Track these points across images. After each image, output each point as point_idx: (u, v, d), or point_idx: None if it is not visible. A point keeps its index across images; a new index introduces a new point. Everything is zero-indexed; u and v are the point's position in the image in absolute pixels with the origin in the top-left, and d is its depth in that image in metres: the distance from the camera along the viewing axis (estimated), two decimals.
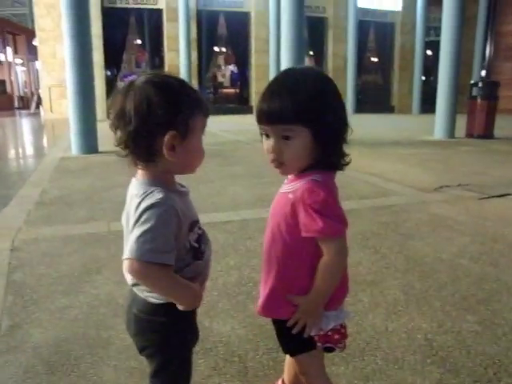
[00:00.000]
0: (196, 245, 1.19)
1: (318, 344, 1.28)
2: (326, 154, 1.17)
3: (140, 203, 1.08)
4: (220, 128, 11.72)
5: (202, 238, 1.22)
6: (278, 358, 1.82)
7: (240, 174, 5.74)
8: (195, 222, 1.20)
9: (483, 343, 1.97)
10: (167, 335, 1.20)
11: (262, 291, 1.31)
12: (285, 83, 1.18)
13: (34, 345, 1.96)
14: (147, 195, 1.08)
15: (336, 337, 1.29)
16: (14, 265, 2.83)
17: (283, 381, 1.57)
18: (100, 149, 7.53)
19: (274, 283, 1.26)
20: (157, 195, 1.07)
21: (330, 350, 1.31)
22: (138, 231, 1.05)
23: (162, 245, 1.06)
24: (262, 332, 2.04)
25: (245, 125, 13.09)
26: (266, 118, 1.17)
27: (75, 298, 2.39)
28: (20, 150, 9.99)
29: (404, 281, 2.58)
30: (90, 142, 7.50)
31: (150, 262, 1.05)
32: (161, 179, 1.14)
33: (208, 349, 1.93)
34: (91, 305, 2.32)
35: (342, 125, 1.18)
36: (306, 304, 1.22)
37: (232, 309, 2.27)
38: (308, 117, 1.14)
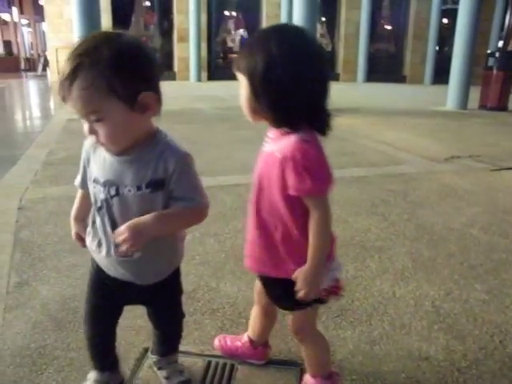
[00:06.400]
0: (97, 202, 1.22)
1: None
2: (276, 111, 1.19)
3: None
4: (229, 93, 11.53)
5: (104, 204, 1.21)
6: (283, 322, 1.82)
7: (249, 138, 5.63)
8: (97, 180, 1.21)
9: (490, 312, 1.96)
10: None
11: (254, 249, 1.30)
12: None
13: (42, 301, 1.98)
14: None
15: (338, 286, 1.30)
16: (22, 223, 2.84)
17: (248, 336, 1.60)
18: None
19: (269, 241, 1.24)
20: None
21: (321, 301, 1.31)
22: None
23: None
24: None
25: None
26: None
27: (82, 256, 2.38)
28: (27, 112, 9.92)
29: (412, 248, 2.57)
30: None
31: None
32: None
33: (215, 309, 1.93)
34: None
35: (294, 87, 1.12)
36: (306, 273, 1.19)
37: (239, 270, 2.26)
38: (243, 63, 1.15)
